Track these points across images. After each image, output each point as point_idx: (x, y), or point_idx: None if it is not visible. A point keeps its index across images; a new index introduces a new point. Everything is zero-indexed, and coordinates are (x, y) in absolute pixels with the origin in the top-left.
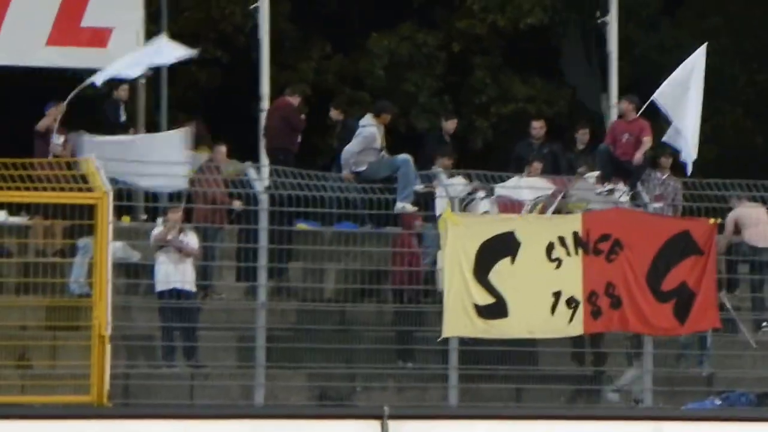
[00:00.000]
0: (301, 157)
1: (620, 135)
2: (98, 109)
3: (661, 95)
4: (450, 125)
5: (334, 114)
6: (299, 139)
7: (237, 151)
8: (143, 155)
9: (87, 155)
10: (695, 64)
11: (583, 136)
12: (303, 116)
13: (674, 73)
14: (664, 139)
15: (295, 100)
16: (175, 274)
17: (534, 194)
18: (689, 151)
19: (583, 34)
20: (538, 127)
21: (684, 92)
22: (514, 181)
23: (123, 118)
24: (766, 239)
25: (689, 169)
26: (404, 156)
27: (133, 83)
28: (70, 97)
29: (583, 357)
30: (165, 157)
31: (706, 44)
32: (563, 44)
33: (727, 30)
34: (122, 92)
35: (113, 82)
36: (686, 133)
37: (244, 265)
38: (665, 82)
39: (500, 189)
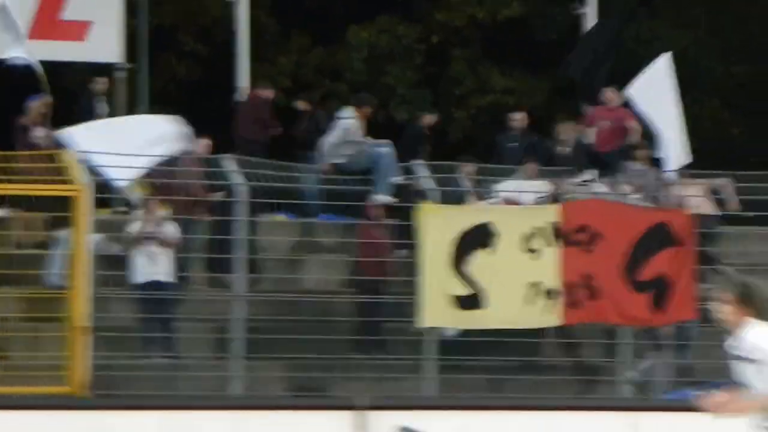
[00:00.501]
0: (280, 149)
1: (600, 122)
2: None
3: (634, 94)
4: (428, 119)
5: (302, 105)
6: (275, 131)
7: (217, 145)
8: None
9: (71, 146)
10: (664, 74)
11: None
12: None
13: (642, 78)
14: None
15: (265, 93)
16: (153, 266)
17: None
18: (675, 156)
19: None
20: (518, 119)
21: (659, 100)
22: (514, 183)
23: (103, 114)
24: None
25: (672, 165)
26: (385, 149)
27: (110, 77)
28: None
29: (569, 347)
30: (150, 143)
31: (670, 54)
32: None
33: (704, 21)
34: (100, 85)
35: (109, 72)
36: (669, 139)
37: (219, 257)
38: (636, 84)
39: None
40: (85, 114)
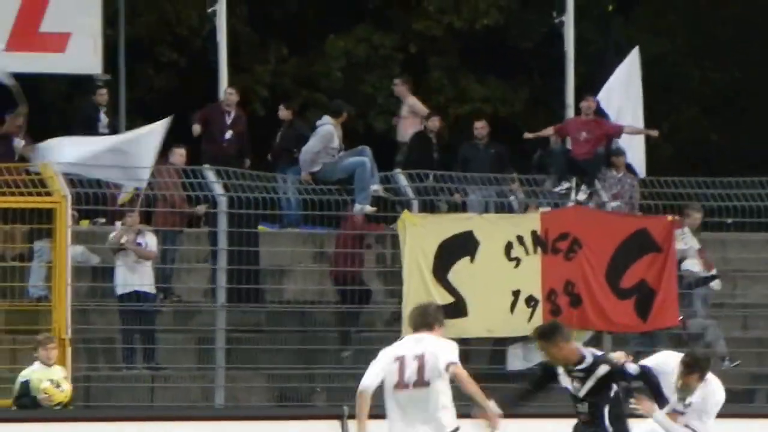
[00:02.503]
0: (260, 159)
1: (577, 133)
2: (68, 113)
3: (604, 99)
4: (433, 123)
5: (284, 114)
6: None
7: (194, 155)
8: (116, 160)
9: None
10: (631, 68)
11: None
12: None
13: (612, 78)
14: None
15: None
16: (133, 277)
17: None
18: (638, 156)
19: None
20: (479, 127)
21: (625, 98)
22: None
23: (104, 125)
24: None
25: (640, 172)
26: (359, 158)
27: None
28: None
29: None
30: (138, 159)
31: (637, 48)
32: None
33: (681, 28)
34: (100, 97)
35: (88, 84)
36: (632, 138)
37: (202, 267)
38: (605, 87)
39: None
40: (87, 123)
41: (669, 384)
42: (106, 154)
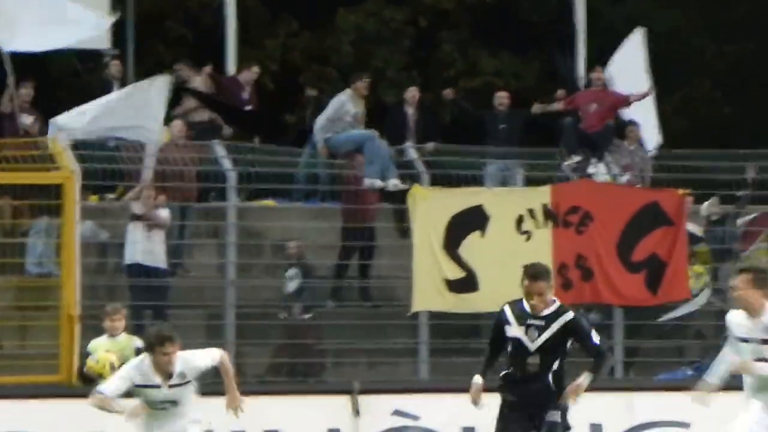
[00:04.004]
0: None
1: (586, 105)
2: (77, 89)
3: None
4: (411, 94)
5: (311, 91)
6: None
7: (203, 129)
8: (121, 119)
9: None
10: (636, 49)
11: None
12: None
13: (616, 56)
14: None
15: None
16: (145, 248)
17: None
18: (651, 127)
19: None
20: (502, 96)
21: (631, 75)
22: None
23: None
24: None
25: (653, 143)
26: (367, 132)
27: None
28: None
29: None
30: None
31: (641, 29)
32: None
33: (694, 1)
34: (114, 67)
35: (97, 58)
36: (645, 117)
37: (214, 242)
38: (610, 64)
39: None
40: (99, 95)
41: None
42: (113, 116)
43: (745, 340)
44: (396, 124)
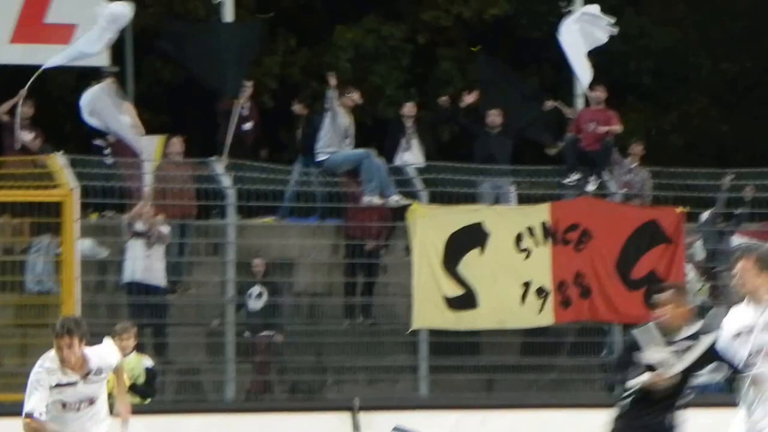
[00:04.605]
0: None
1: (586, 124)
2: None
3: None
4: (408, 109)
5: (298, 108)
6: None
7: (202, 147)
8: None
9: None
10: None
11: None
12: None
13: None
14: None
15: None
16: (144, 266)
17: None
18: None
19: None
20: (493, 114)
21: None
22: None
23: None
24: None
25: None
26: (363, 150)
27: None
28: (27, 85)
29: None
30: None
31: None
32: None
33: (691, 18)
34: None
35: (96, 75)
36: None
37: (214, 261)
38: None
39: None
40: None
41: None
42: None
43: (750, 332)
44: (395, 140)
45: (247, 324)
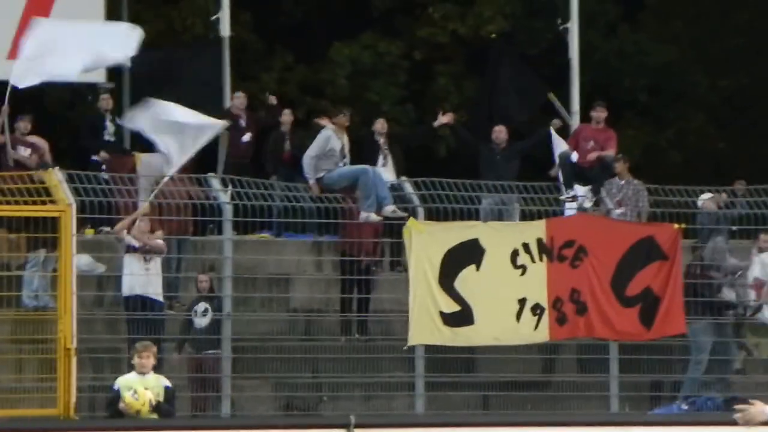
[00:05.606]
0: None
1: (584, 141)
2: (72, 122)
3: None
4: (380, 125)
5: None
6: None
7: (198, 163)
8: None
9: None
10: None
11: None
12: None
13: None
14: None
15: None
16: (141, 281)
17: None
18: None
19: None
20: (498, 131)
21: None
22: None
23: (110, 133)
24: None
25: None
26: (360, 166)
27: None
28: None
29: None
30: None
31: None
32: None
33: (689, 35)
34: (104, 102)
35: (92, 91)
36: None
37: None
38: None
39: None
40: (93, 132)
41: None
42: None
43: None
44: (370, 158)
45: (192, 340)
